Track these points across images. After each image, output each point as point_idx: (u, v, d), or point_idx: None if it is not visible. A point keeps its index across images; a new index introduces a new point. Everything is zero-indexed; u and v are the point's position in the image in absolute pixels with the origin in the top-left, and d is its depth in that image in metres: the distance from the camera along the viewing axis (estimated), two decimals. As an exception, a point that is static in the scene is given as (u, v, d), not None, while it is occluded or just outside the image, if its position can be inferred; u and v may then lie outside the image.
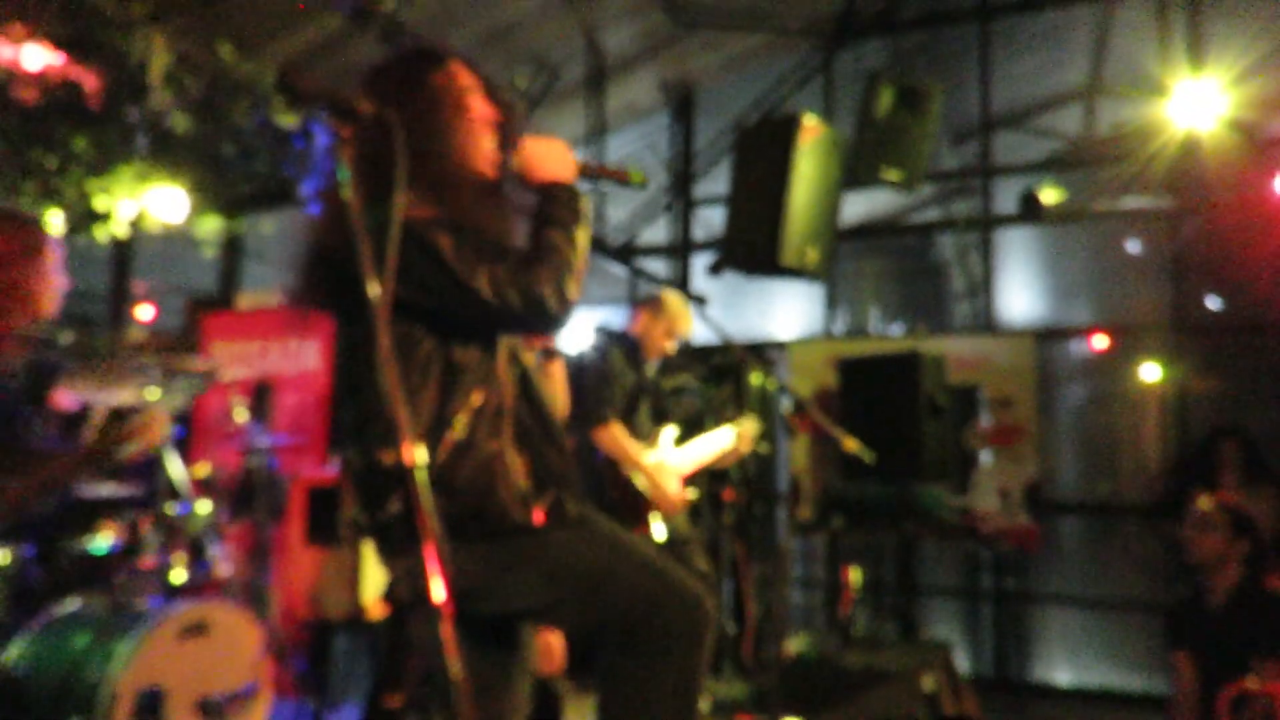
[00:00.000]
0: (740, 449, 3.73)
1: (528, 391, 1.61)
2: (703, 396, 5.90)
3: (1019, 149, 7.87)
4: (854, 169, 4.60)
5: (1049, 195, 4.90)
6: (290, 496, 3.78)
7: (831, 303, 6.80)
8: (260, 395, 4.67)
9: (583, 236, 1.59)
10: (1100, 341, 6.01)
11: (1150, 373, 5.80)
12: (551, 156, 1.61)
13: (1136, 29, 6.85)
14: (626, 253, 6.80)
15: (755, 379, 5.91)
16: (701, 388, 5.97)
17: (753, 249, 4.28)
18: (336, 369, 1.64)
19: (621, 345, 3.64)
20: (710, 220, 7.20)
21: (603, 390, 3.45)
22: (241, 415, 4.04)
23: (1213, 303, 5.85)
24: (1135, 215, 5.68)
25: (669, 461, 3.46)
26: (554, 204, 1.60)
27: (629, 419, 3.52)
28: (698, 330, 7.03)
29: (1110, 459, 6.00)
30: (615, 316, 7.54)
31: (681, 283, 7.08)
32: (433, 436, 1.47)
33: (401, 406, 1.14)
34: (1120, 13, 6.82)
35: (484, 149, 1.63)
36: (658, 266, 7.22)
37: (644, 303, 3.70)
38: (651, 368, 3.76)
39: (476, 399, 1.53)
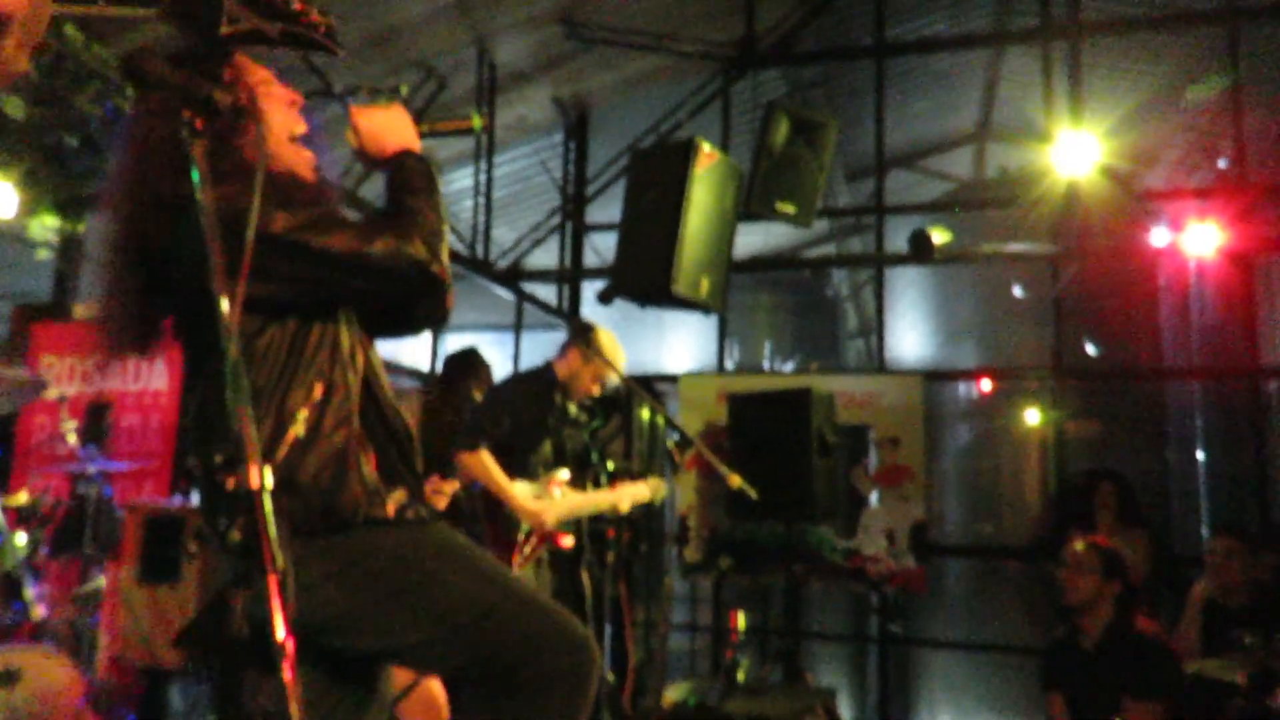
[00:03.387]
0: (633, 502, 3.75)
1: (371, 388, 1.59)
2: (588, 430, 5.90)
3: (911, 189, 8.29)
4: (749, 200, 4.72)
5: (938, 235, 5.15)
6: (125, 529, 3.57)
7: (724, 337, 6.93)
8: (95, 415, 4.41)
9: (441, 199, 1.59)
10: (986, 384, 6.32)
11: (1031, 416, 6.13)
12: (390, 127, 1.63)
13: (1023, 77, 7.35)
14: (513, 276, 6.77)
15: (644, 413, 5.95)
16: (587, 421, 5.96)
17: (644, 277, 4.32)
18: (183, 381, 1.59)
19: (537, 382, 3.63)
20: (602, 246, 7.28)
21: (483, 416, 3.42)
22: (72, 437, 3.80)
23: (1091, 348, 6.26)
24: (1019, 259, 6.03)
25: (557, 503, 3.45)
26: (406, 172, 1.59)
27: (525, 457, 3.51)
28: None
29: (993, 501, 6.29)
30: (499, 343, 7.47)
31: (571, 310, 7.09)
32: (273, 435, 1.45)
33: (247, 422, 1.10)
34: (1008, 60, 7.30)
35: (292, 136, 1.63)
36: (546, 292, 7.21)
37: (576, 340, 3.66)
38: (571, 408, 3.76)
39: (318, 391, 1.51)
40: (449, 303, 1.77)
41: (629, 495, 3.72)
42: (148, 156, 1.49)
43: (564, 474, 3.58)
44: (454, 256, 5.37)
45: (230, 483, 1.08)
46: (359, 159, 1.66)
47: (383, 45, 5.24)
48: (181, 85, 1.33)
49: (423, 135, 1.67)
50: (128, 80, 1.34)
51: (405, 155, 1.61)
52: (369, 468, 1.53)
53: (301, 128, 1.65)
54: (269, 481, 1.08)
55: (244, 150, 1.52)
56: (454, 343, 9.17)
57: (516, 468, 3.47)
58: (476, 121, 1.69)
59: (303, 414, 1.47)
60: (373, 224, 1.53)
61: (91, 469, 3.88)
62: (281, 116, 1.63)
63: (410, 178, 1.58)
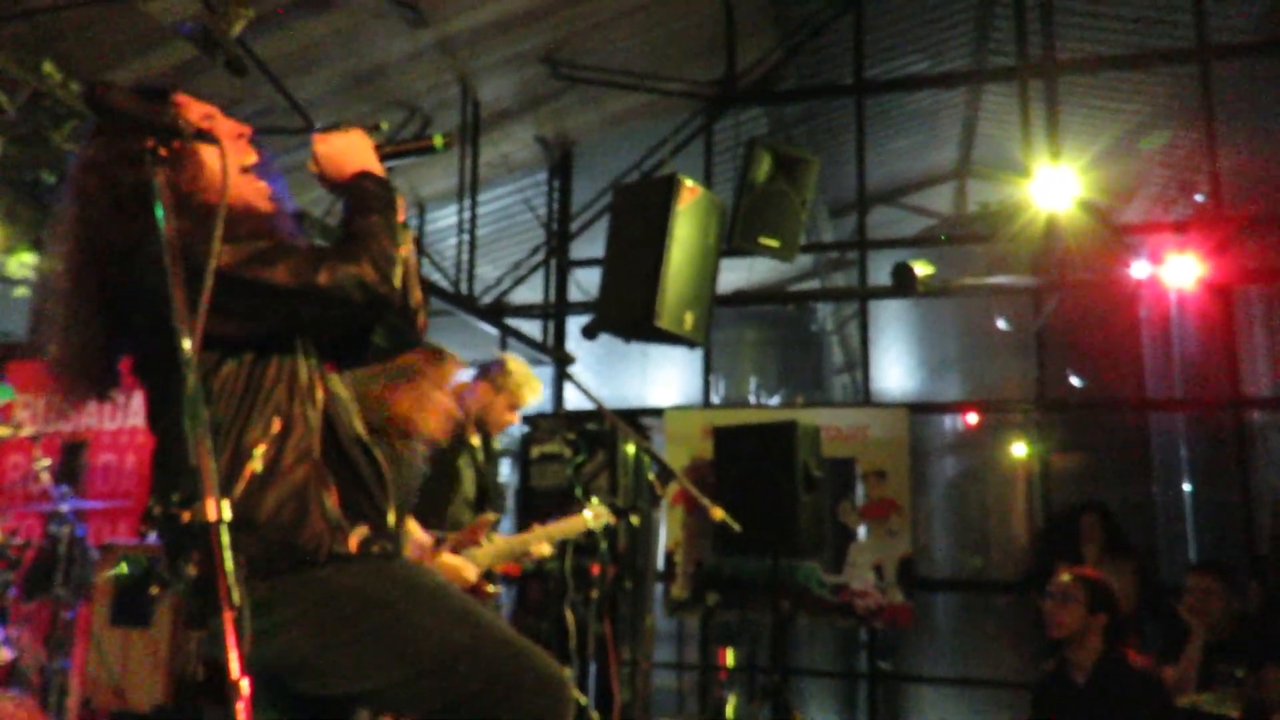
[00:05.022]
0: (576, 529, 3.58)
1: (331, 421, 1.57)
2: (572, 465, 5.85)
3: (894, 224, 8.36)
4: (732, 235, 4.75)
5: (921, 269, 5.18)
6: (99, 570, 3.50)
7: (709, 371, 6.93)
8: (70, 454, 4.35)
9: (399, 224, 1.59)
10: (971, 417, 6.32)
11: (1017, 448, 6.13)
12: (349, 150, 1.63)
13: (1002, 115, 7.46)
14: (497, 312, 6.76)
15: (628, 447, 5.92)
16: (572, 456, 5.92)
17: (628, 311, 4.31)
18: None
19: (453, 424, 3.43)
20: (586, 282, 7.29)
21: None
22: (45, 476, 3.74)
23: (1074, 379, 6.28)
24: (1001, 291, 6.07)
25: (481, 552, 3.26)
26: (361, 194, 1.59)
27: (442, 500, 3.35)
28: (572, 396, 7.07)
29: (980, 534, 6.27)
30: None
31: (556, 344, 7.08)
32: (230, 471, 1.42)
33: (204, 454, 1.07)
34: (987, 98, 7.42)
35: (243, 167, 1.63)
36: (531, 328, 7.20)
37: (483, 372, 3.55)
38: (494, 443, 3.63)
39: (276, 424, 1.49)
40: (420, 324, 1.76)
41: (564, 528, 3.48)
42: (93, 201, 1.49)
43: (491, 516, 3.43)
44: (438, 293, 5.36)
45: (186, 517, 1.05)
46: (321, 184, 1.66)
47: (366, 85, 5.28)
48: (144, 112, 1.33)
49: (384, 157, 1.66)
50: (90, 108, 1.33)
51: (362, 177, 1.61)
52: (331, 503, 1.50)
53: (251, 158, 1.65)
54: (226, 514, 1.05)
55: (194, 185, 1.51)
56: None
57: (434, 517, 3.27)
58: (438, 140, 1.68)
59: (260, 450, 1.45)
60: (320, 251, 1.51)
61: (64, 508, 3.82)
62: (230, 148, 1.63)
63: (365, 199, 1.58)
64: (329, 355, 1.65)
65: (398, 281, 1.54)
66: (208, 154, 1.55)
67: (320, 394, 1.57)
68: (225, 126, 1.63)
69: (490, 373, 3.53)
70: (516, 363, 3.57)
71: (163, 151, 1.31)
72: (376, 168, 1.63)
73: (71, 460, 4.39)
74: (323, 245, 1.56)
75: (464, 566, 3.09)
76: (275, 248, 1.48)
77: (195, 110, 1.60)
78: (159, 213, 1.25)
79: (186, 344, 1.17)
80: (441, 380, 2.97)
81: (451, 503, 3.41)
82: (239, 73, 3.32)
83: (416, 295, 1.75)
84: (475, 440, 3.54)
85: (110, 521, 4.38)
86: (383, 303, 1.51)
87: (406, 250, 1.66)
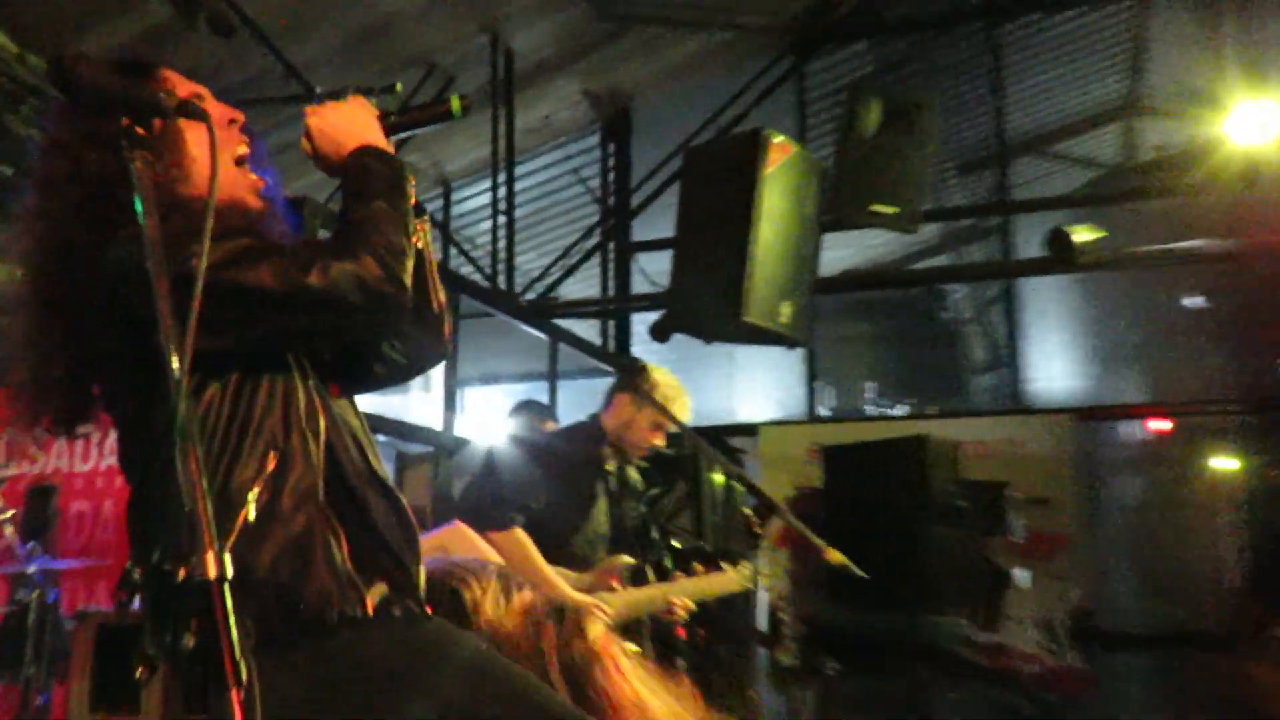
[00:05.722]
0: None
1: (336, 455, 1.59)
2: (646, 500, 5.88)
3: (1043, 180, 8.20)
4: (836, 202, 4.75)
5: (1082, 235, 5.07)
6: (75, 642, 3.63)
7: (814, 375, 6.89)
8: (37, 501, 4.51)
9: (409, 208, 1.61)
10: (1158, 423, 6.16)
11: (1220, 461, 5.95)
12: (348, 123, 1.65)
13: (1182, 35, 7.25)
14: (544, 311, 6.82)
15: (716, 476, 5.91)
16: (645, 489, 5.94)
17: (707, 305, 4.34)
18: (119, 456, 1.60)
19: (579, 441, 3.64)
20: (653, 269, 7.29)
21: (514, 485, 3.43)
22: (9, 530, 3.90)
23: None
24: (1189, 260, 5.89)
25: (613, 599, 3.38)
26: (363, 174, 1.61)
27: (565, 537, 3.49)
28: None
29: (1176, 574, 6.10)
30: (531, 396, 7.52)
31: (618, 349, 7.12)
32: (219, 520, 1.44)
33: (201, 497, 1.10)
34: (1159, 12, 7.21)
35: (231, 159, 1.67)
36: (587, 330, 7.26)
37: (624, 385, 3.66)
38: (631, 473, 3.74)
39: (271, 461, 1.51)
40: (446, 332, 1.79)
41: (708, 586, 3.62)
42: (58, 191, 1.54)
43: (625, 560, 3.53)
44: (470, 290, 5.45)
45: (180, 574, 1.08)
46: (318, 166, 1.69)
47: (376, 39, 5.38)
48: (120, 88, 1.38)
49: (390, 129, 1.69)
50: (57, 85, 1.39)
51: (363, 154, 1.63)
52: (340, 554, 1.52)
53: (242, 148, 1.69)
54: (229, 569, 1.08)
55: (177, 174, 1.56)
56: (474, 397, 9.27)
57: (555, 551, 3.42)
58: (455, 104, 1.69)
59: (253, 493, 1.47)
60: (313, 247, 1.54)
61: (33, 569, 3.96)
62: (218, 136, 1.67)
63: (367, 180, 1.60)
64: (332, 375, 1.67)
65: (408, 278, 1.56)
66: (194, 140, 1.60)
67: (322, 422, 1.59)
68: (215, 111, 1.67)
69: (629, 383, 3.62)
70: (661, 371, 3.66)
71: (140, 132, 1.34)
72: (381, 142, 1.66)
73: (39, 509, 4.54)
74: (319, 240, 1.60)
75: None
76: (257, 246, 1.51)
77: (183, 89, 1.65)
78: (137, 205, 1.28)
79: (174, 363, 1.20)
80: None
81: (579, 534, 3.53)
82: (224, 33, 3.42)
83: (438, 295, 1.77)
84: (611, 465, 3.65)
85: (87, 584, 4.53)
86: (389, 304, 1.53)
87: (422, 242, 1.69)
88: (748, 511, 3.05)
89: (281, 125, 4.80)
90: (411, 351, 1.77)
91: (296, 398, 1.57)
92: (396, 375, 1.82)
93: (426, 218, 1.79)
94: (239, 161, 1.69)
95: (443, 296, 1.79)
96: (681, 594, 3.54)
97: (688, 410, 3.67)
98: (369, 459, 1.64)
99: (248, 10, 4.27)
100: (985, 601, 5.67)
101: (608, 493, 3.66)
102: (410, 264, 1.57)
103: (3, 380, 1.60)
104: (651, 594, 3.51)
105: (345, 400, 1.70)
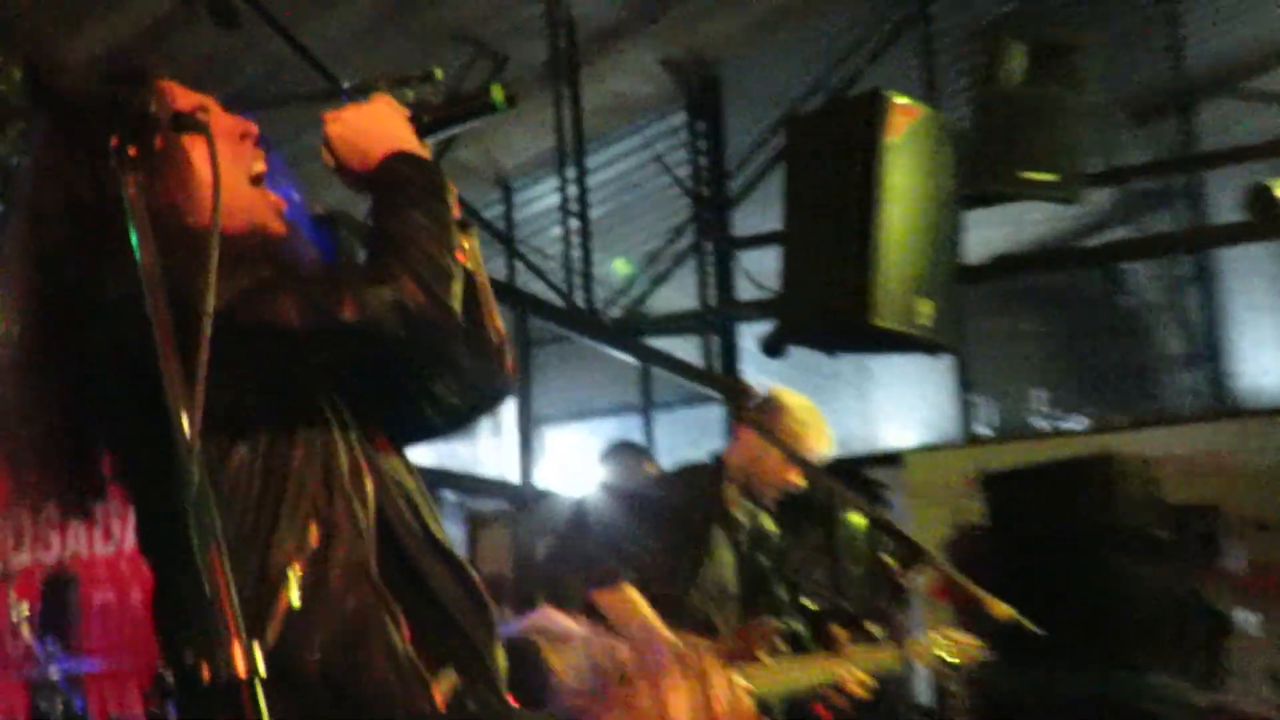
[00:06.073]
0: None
1: (389, 521, 1.60)
2: (775, 548, 5.86)
3: (1237, 126, 7.97)
4: (979, 173, 4.70)
5: (1290, 190, 4.95)
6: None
7: (967, 386, 6.78)
8: (55, 594, 4.62)
9: (451, 219, 1.63)
10: None
11: None
12: (373, 125, 1.69)
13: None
14: (631, 329, 6.84)
15: (855, 518, 5.86)
16: (774, 535, 5.93)
17: (828, 309, 4.33)
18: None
19: (698, 483, 3.68)
20: (759, 269, 7.26)
21: (622, 537, 3.48)
22: (25, 629, 4.01)
23: None
24: None
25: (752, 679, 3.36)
26: (394, 184, 1.64)
27: (680, 597, 3.51)
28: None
29: None
30: (622, 431, 7.55)
31: (725, 369, 7.09)
32: (257, 605, 1.46)
33: (223, 582, 1.12)
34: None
35: (246, 177, 1.71)
36: (684, 348, 7.24)
37: (749, 412, 3.72)
38: (766, 521, 3.78)
39: (313, 533, 1.53)
40: (508, 363, 1.80)
41: (859, 662, 3.55)
42: (47, 225, 1.58)
43: (775, 624, 3.50)
44: (541, 309, 5.49)
45: (205, 674, 1.09)
46: (343, 181, 1.72)
47: (409, 15, 5.48)
48: (104, 101, 1.41)
49: (423, 129, 1.72)
50: (30, 99, 1.43)
51: (394, 160, 1.66)
52: (400, 639, 1.54)
53: (259, 164, 1.73)
54: (260, 665, 1.09)
55: (179, 198, 1.59)
56: (554, 439, 9.31)
57: (668, 611, 3.42)
58: (497, 94, 1.71)
59: (295, 571, 1.50)
60: (342, 273, 1.57)
61: (54, 673, 4.05)
62: (230, 153, 1.71)
63: (399, 190, 1.63)
64: (378, 426, 1.69)
65: (456, 302, 1.58)
66: (202, 158, 1.63)
67: (370, 483, 1.61)
68: (225, 124, 1.71)
69: (758, 412, 3.66)
70: (794, 397, 3.69)
71: (133, 151, 1.37)
72: (413, 144, 1.68)
73: (57, 603, 4.65)
74: (348, 265, 1.63)
75: (740, 692, 3.14)
76: (278, 277, 1.54)
77: (185, 100, 1.69)
78: (133, 237, 1.31)
79: (185, 423, 1.22)
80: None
81: (694, 586, 3.55)
82: (229, 23, 3.51)
83: (495, 320, 1.79)
84: (741, 512, 3.68)
85: (117, 687, 4.63)
86: (435, 334, 1.55)
87: (470, 259, 1.71)
88: (889, 559, 3.02)
89: (305, 128, 4.90)
90: (469, 390, 1.78)
91: (338, 456, 1.59)
92: (454, 420, 1.83)
93: (474, 230, 1.81)
94: (255, 180, 1.72)
95: (497, 319, 1.80)
96: (856, 667, 3.48)
97: (827, 440, 3.67)
98: (428, 523, 1.66)
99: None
100: (1201, 653, 5.51)
101: (734, 545, 3.69)
102: (457, 285, 1.59)
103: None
104: (812, 669, 3.48)
105: (396, 455, 1.72)
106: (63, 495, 1.64)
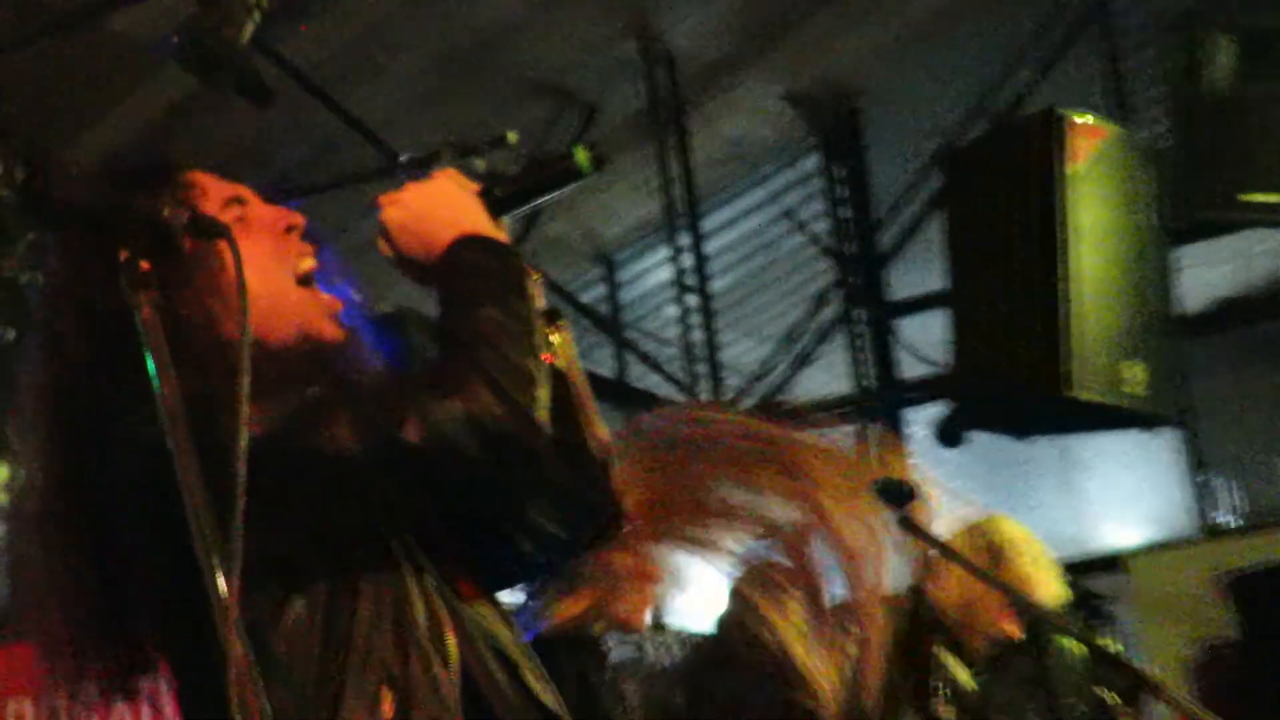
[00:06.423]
0: None
1: (475, 682, 1.61)
2: (978, 684, 5.86)
3: None
4: (1187, 199, 4.65)
5: None
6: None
7: (1199, 464, 6.62)
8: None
9: (530, 310, 1.64)
10: None
11: None
12: (435, 207, 1.72)
13: None
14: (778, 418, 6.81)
15: (1068, 643, 5.74)
16: (970, 690, 5.93)
17: (1012, 381, 4.31)
18: None
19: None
20: (920, 337, 7.18)
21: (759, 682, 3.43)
22: None
23: None
24: None
25: None
26: (463, 277, 1.68)
27: None
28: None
29: None
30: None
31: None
32: None
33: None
34: None
35: (292, 277, 1.74)
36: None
37: (952, 541, 3.72)
38: (959, 673, 3.77)
39: (386, 701, 1.53)
40: (615, 479, 1.81)
41: None
42: (66, 353, 1.62)
43: None
44: (659, 405, 5.43)
45: None
46: (405, 273, 1.75)
47: (473, 69, 5.56)
48: (114, 207, 1.44)
49: (496, 206, 1.75)
50: (26, 215, 1.46)
51: (461, 247, 1.69)
52: None
53: (307, 261, 1.78)
54: None
55: (209, 311, 1.62)
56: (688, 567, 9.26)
57: None
58: (581, 156, 1.73)
59: None
60: (405, 386, 1.59)
61: None
62: (270, 251, 1.75)
63: (469, 282, 1.66)
64: (461, 567, 1.70)
65: (542, 410, 1.58)
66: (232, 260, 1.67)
67: (452, 640, 1.61)
68: (265, 217, 1.76)
69: (968, 544, 3.70)
70: (1014, 526, 3.75)
71: (145, 265, 1.39)
72: (484, 226, 1.72)
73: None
74: (411, 376, 1.64)
75: None
76: (330, 396, 1.56)
77: (216, 193, 1.75)
78: (150, 366, 1.33)
79: (220, 583, 1.23)
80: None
81: None
82: (260, 99, 3.59)
83: (594, 427, 1.80)
84: (948, 657, 3.70)
85: None
86: (518, 449, 1.56)
87: (561, 356, 1.73)
88: (1106, 694, 2.97)
89: (363, 213, 4.99)
90: (570, 516, 1.78)
91: (412, 607, 1.60)
92: (555, 554, 1.85)
93: (565, 321, 1.81)
94: (304, 279, 1.76)
95: (598, 425, 1.81)
96: None
97: (1054, 580, 3.74)
98: (528, 683, 1.66)
99: (294, 59, 4.46)
100: None
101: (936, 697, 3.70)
102: (543, 390, 1.59)
103: (25, 632, 1.67)
104: None
105: (485, 601, 1.72)
106: (101, 671, 1.65)
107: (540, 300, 1.69)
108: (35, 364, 1.67)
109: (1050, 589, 3.69)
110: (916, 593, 3.70)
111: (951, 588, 3.69)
